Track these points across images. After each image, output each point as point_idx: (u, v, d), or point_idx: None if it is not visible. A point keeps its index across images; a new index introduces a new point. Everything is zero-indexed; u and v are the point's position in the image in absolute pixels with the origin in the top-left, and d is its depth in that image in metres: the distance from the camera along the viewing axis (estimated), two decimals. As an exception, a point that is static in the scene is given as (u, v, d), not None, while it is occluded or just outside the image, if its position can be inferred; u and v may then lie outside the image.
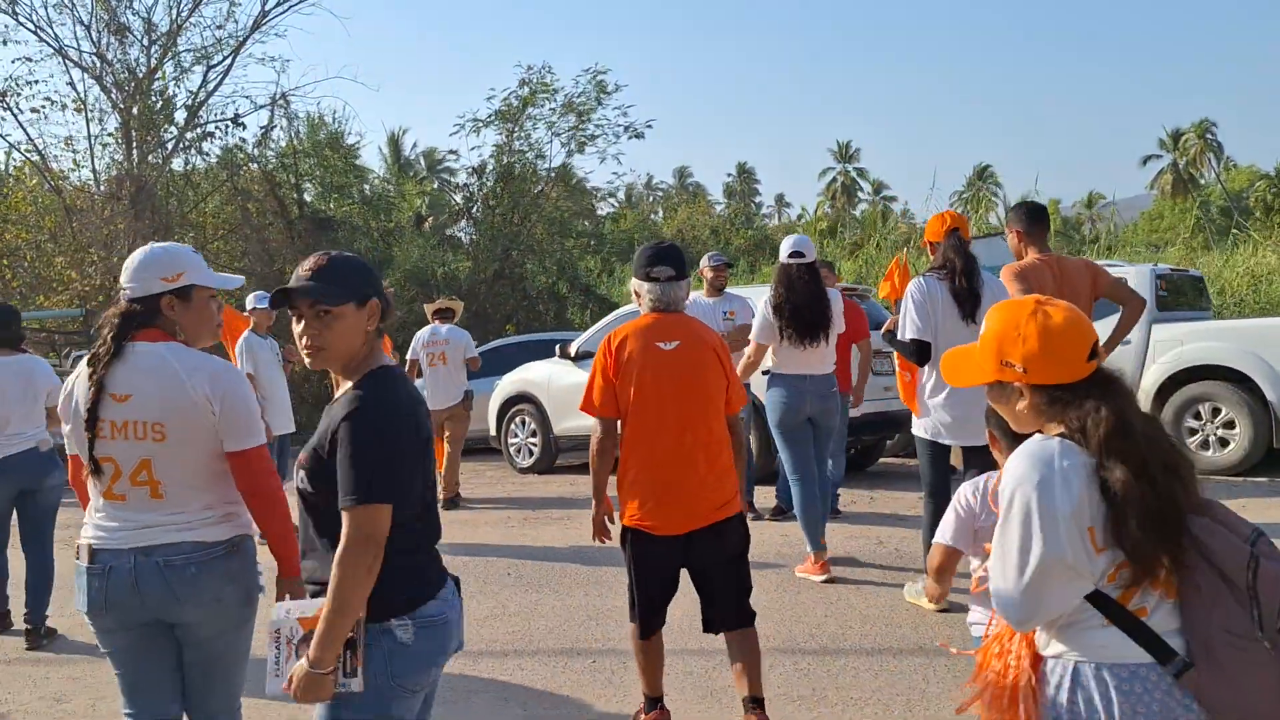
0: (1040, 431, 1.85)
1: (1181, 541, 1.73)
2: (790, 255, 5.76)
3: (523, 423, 10.58)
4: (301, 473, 2.17)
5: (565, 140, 18.02)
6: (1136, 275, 9.15)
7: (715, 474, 3.42)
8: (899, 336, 4.82)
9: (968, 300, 4.69)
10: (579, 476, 10.10)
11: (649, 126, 18.11)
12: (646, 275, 3.51)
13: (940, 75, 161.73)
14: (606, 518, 3.60)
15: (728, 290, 7.53)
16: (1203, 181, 68.16)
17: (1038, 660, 1.86)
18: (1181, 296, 9.56)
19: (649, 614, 3.50)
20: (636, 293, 3.59)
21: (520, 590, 5.59)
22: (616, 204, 20.67)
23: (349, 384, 2.20)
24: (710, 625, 3.53)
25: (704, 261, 7.48)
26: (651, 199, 62.55)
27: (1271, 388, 8.18)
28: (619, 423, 3.48)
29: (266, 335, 7.36)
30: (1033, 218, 4.94)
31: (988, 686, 1.97)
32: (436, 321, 8.74)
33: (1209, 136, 70.56)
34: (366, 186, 20.85)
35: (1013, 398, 1.90)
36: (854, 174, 78.69)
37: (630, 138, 17.88)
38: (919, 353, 4.71)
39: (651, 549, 3.43)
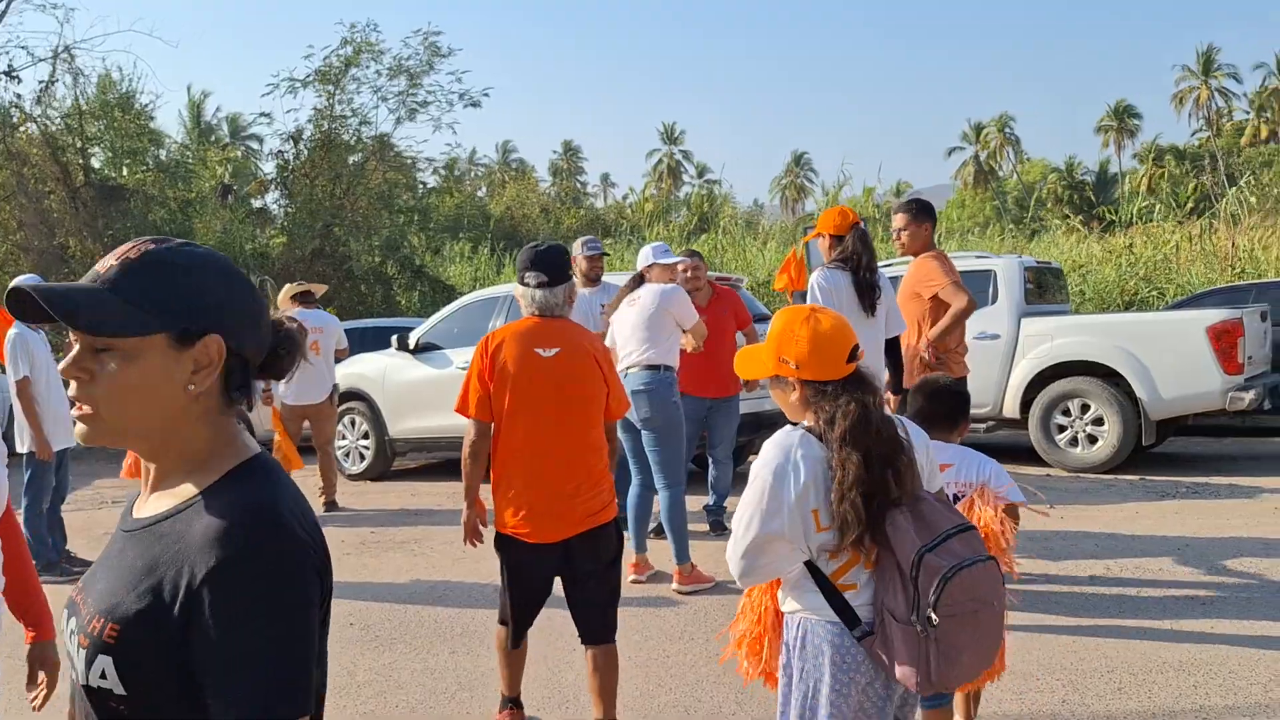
0: (806, 419, 2.17)
1: (882, 527, 2.05)
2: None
3: (352, 423, 9.42)
4: (105, 660, 1.14)
5: (394, 106, 16.59)
6: (1005, 267, 8.92)
7: (591, 481, 3.43)
8: None
9: (869, 293, 4.69)
10: (420, 484, 9.05)
11: (486, 95, 16.96)
12: (522, 279, 3.51)
13: (761, 63, 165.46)
14: (479, 522, 3.60)
15: (605, 280, 6.70)
16: (1001, 174, 72.48)
17: (779, 615, 2.28)
18: (1046, 290, 9.42)
19: (523, 622, 3.51)
20: (518, 295, 3.55)
21: (369, 649, 4.58)
22: (439, 177, 19.24)
23: (189, 492, 1.21)
24: (580, 632, 3.51)
25: (577, 249, 6.61)
26: (474, 174, 60.93)
27: (1141, 384, 8.07)
28: (493, 426, 3.46)
29: (39, 329, 6.01)
30: (929, 214, 5.29)
31: (743, 636, 2.46)
32: (297, 307, 7.91)
33: (1008, 130, 74.92)
34: (163, 152, 18.70)
35: (788, 390, 2.21)
36: (679, 156, 79.31)
37: (466, 105, 16.66)
38: None
39: (526, 557, 3.43)
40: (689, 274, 6.32)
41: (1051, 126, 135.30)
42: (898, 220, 5.40)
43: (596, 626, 3.45)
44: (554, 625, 3.99)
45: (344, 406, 9.42)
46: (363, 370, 9.39)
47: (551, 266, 3.45)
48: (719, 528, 6.43)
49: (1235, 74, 72.63)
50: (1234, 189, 17.88)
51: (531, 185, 47.88)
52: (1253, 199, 17.55)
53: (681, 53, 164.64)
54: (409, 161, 17.92)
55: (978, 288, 8.26)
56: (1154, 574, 5.04)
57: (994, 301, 8.72)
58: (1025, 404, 8.60)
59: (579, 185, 72.95)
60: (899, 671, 2.02)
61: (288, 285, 8.57)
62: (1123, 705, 3.53)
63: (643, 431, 5.36)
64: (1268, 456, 8.78)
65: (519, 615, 3.49)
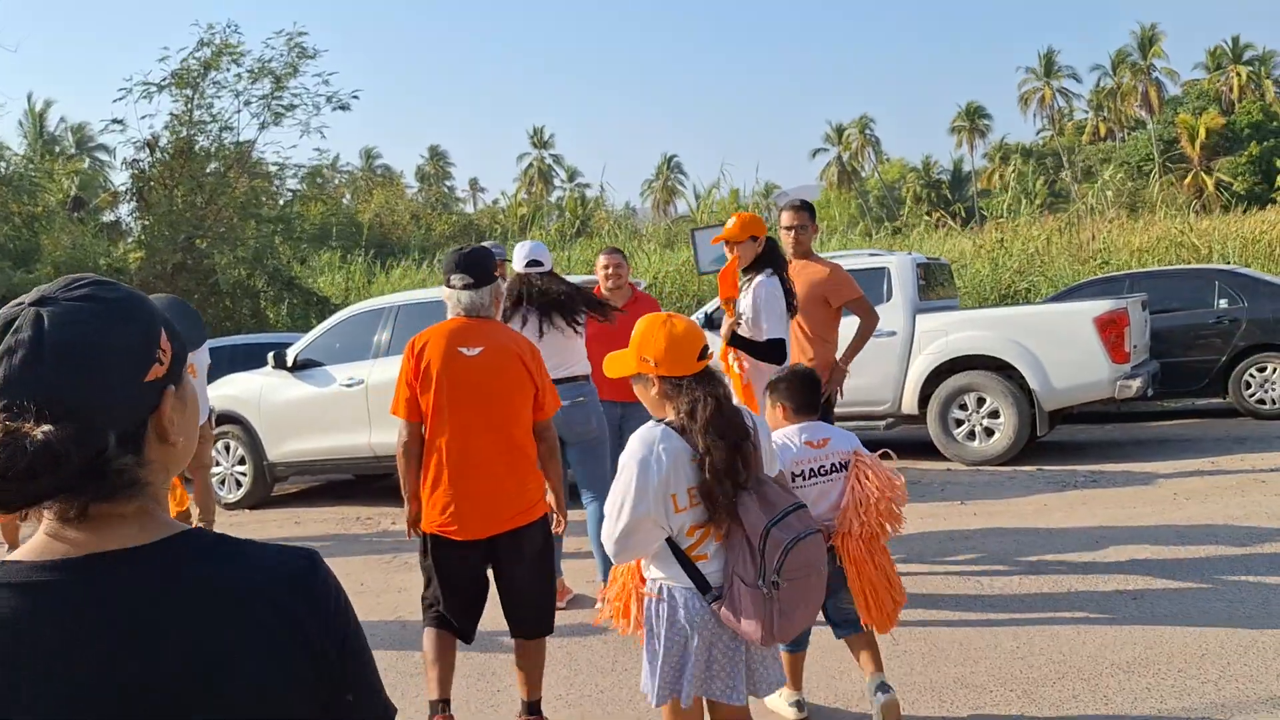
0: (666, 413, 2.50)
1: (735, 505, 2.41)
2: (528, 265, 5.26)
3: (227, 448, 8.77)
4: None
5: (257, 110, 15.72)
6: (899, 264, 8.94)
7: (516, 479, 3.47)
8: (761, 336, 4.50)
9: (792, 297, 4.70)
10: (304, 510, 8.49)
11: (355, 97, 16.25)
12: (448, 282, 3.58)
13: (628, 66, 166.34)
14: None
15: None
16: (864, 174, 74.74)
17: (643, 581, 2.60)
18: (936, 285, 9.50)
19: (451, 618, 3.51)
20: (445, 298, 3.61)
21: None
22: (304, 184, 18.31)
23: None
24: (512, 631, 3.58)
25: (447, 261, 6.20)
26: (338, 181, 59.15)
27: (1034, 376, 8.18)
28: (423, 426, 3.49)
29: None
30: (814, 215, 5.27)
31: (613, 602, 2.79)
32: None
33: (868, 131, 77.28)
34: (2, 164, 17.30)
35: (649, 386, 2.53)
36: (550, 160, 78.83)
37: (335, 109, 15.91)
38: (779, 351, 4.51)
39: (452, 554, 3.47)
40: (610, 271, 6.01)
41: (908, 127, 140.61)
42: (795, 218, 5.30)
43: (528, 621, 3.52)
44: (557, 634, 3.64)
45: (216, 431, 8.77)
46: (236, 391, 8.76)
47: (476, 268, 3.54)
48: None
49: (1075, 75, 76.79)
50: (1098, 184, 18.66)
51: (399, 191, 46.72)
52: (1109, 193, 18.40)
53: (549, 55, 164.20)
54: (275, 168, 17.05)
55: (872, 285, 8.24)
56: (1079, 568, 5.02)
57: (889, 299, 8.72)
58: (923, 399, 8.64)
59: (448, 190, 71.74)
60: (746, 626, 2.38)
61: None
62: (1080, 711, 3.42)
63: (574, 446, 5.05)
64: (1151, 441, 9.05)
65: (460, 614, 3.50)
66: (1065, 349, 8.20)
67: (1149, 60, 71.48)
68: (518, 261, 5.39)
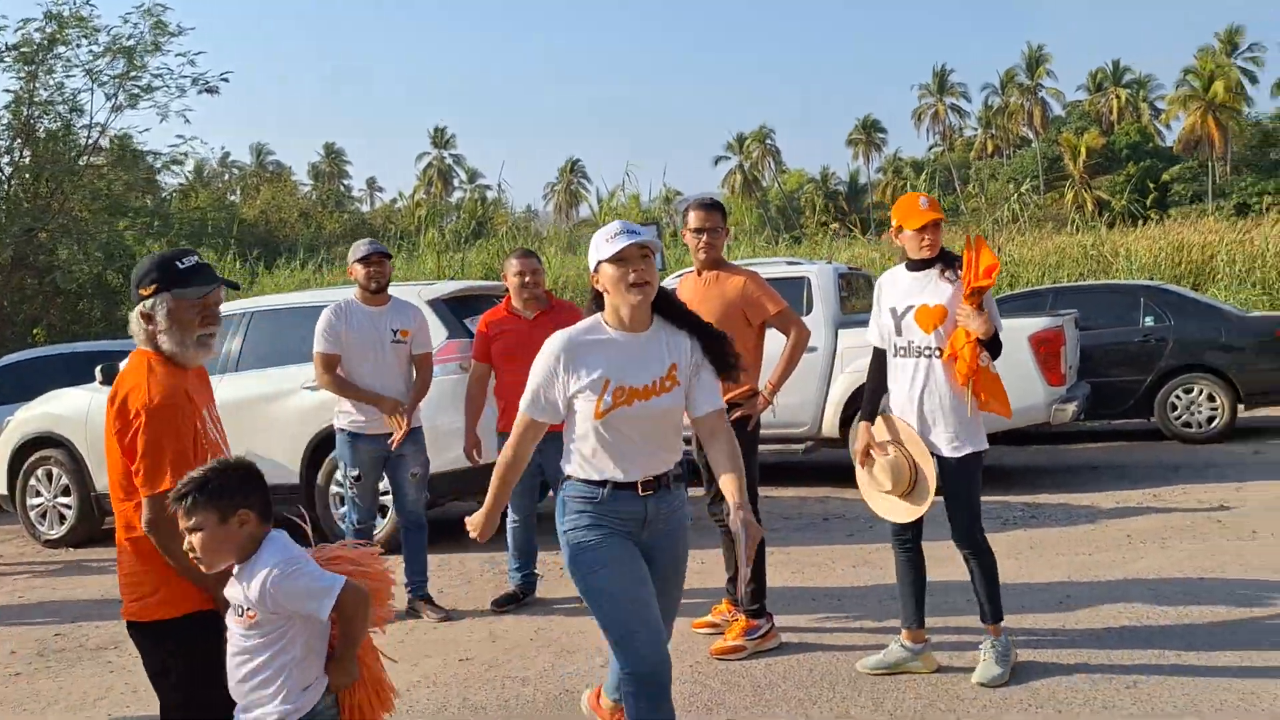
0: None
1: None
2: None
3: (49, 476, 7.49)
4: None
5: (112, 91, 14.15)
6: (820, 274, 8.20)
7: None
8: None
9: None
10: (138, 549, 7.25)
11: (224, 80, 14.83)
12: None
13: (531, 67, 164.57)
14: None
15: (393, 293, 5.31)
16: (765, 182, 75.16)
17: None
18: (857, 297, 8.79)
19: None
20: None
21: None
22: (182, 175, 16.78)
23: None
24: None
25: (353, 253, 5.18)
26: (228, 177, 56.56)
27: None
28: None
29: None
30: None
31: None
32: None
33: (768, 142, 77.80)
34: None
35: None
36: (450, 160, 77.14)
37: (200, 92, 14.46)
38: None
39: None
40: (527, 278, 5.11)
41: (807, 139, 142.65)
42: (706, 219, 4.47)
43: None
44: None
45: (36, 455, 7.51)
46: (60, 409, 7.51)
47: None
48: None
49: (966, 93, 78.82)
50: (1013, 198, 18.46)
51: (290, 188, 44.72)
52: (1016, 207, 18.21)
53: (453, 54, 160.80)
54: (150, 156, 15.49)
55: (790, 296, 7.44)
56: (1049, 640, 4.27)
57: (809, 311, 7.96)
58: (845, 421, 7.90)
59: (343, 189, 69.58)
60: None
61: None
62: None
63: None
64: (1081, 468, 8.51)
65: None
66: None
67: (1036, 80, 73.75)
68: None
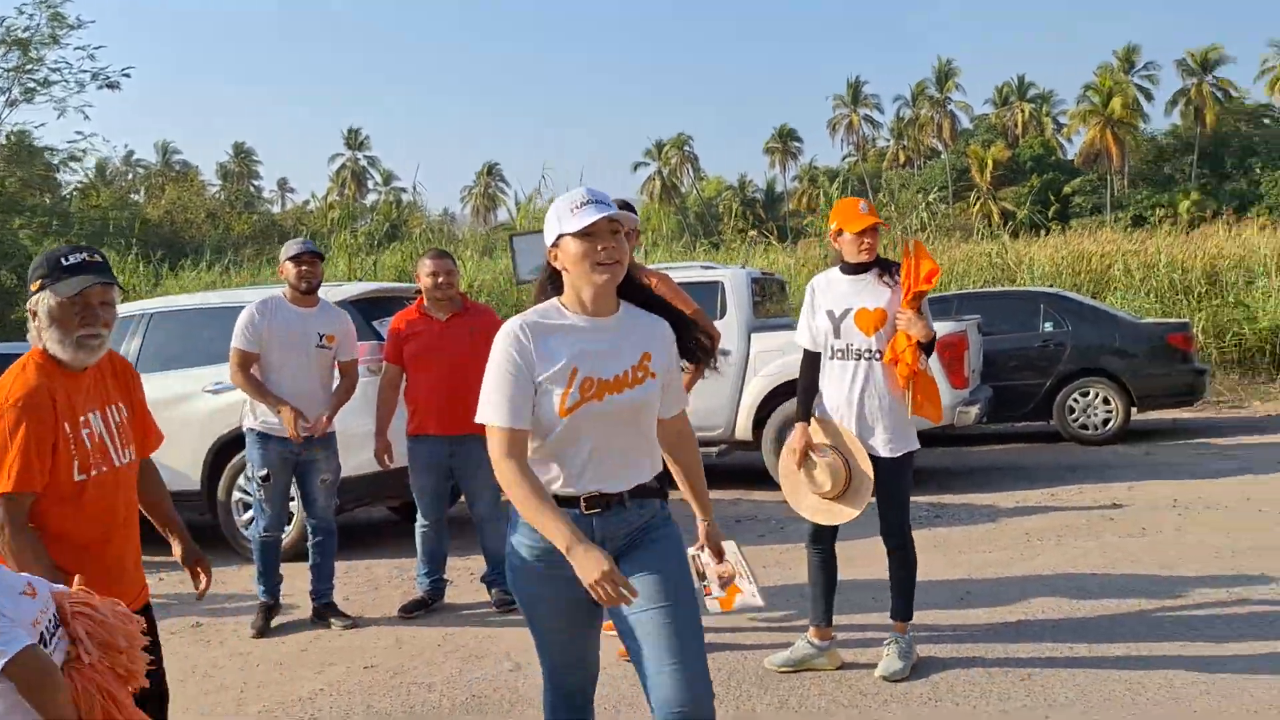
0: None
1: None
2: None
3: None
4: None
5: (6, 85, 13.60)
6: (734, 278, 8.30)
7: None
8: None
9: None
10: None
11: (126, 75, 14.42)
12: None
13: (448, 71, 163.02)
14: None
15: (320, 296, 5.14)
16: (683, 189, 75.69)
17: None
18: (770, 302, 8.92)
19: None
20: None
21: None
22: (82, 172, 16.18)
23: None
24: None
25: (285, 251, 5.04)
26: (131, 176, 54.77)
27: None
28: None
29: None
30: None
31: None
32: None
33: (687, 149, 78.40)
34: None
35: None
36: (365, 162, 75.96)
37: (100, 87, 14.00)
38: None
39: None
40: (441, 279, 5.03)
41: (726, 146, 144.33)
42: (625, 221, 4.45)
43: None
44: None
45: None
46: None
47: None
48: (506, 604, 5.11)
49: (879, 105, 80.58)
50: (921, 207, 18.92)
51: (197, 188, 43.52)
52: (925, 216, 18.70)
53: (368, 54, 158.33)
54: (49, 153, 14.90)
55: (705, 300, 7.54)
56: (953, 633, 4.38)
57: (722, 315, 8.06)
58: (758, 424, 8.00)
59: (253, 189, 68.00)
60: None
61: None
62: None
63: None
64: (984, 469, 8.75)
65: None
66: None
67: (945, 94, 75.80)
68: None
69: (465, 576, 5.70)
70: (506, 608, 5.07)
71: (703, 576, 2.76)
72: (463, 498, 5.50)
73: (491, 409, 2.28)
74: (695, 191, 75.80)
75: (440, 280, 5.04)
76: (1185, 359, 9.79)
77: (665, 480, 2.48)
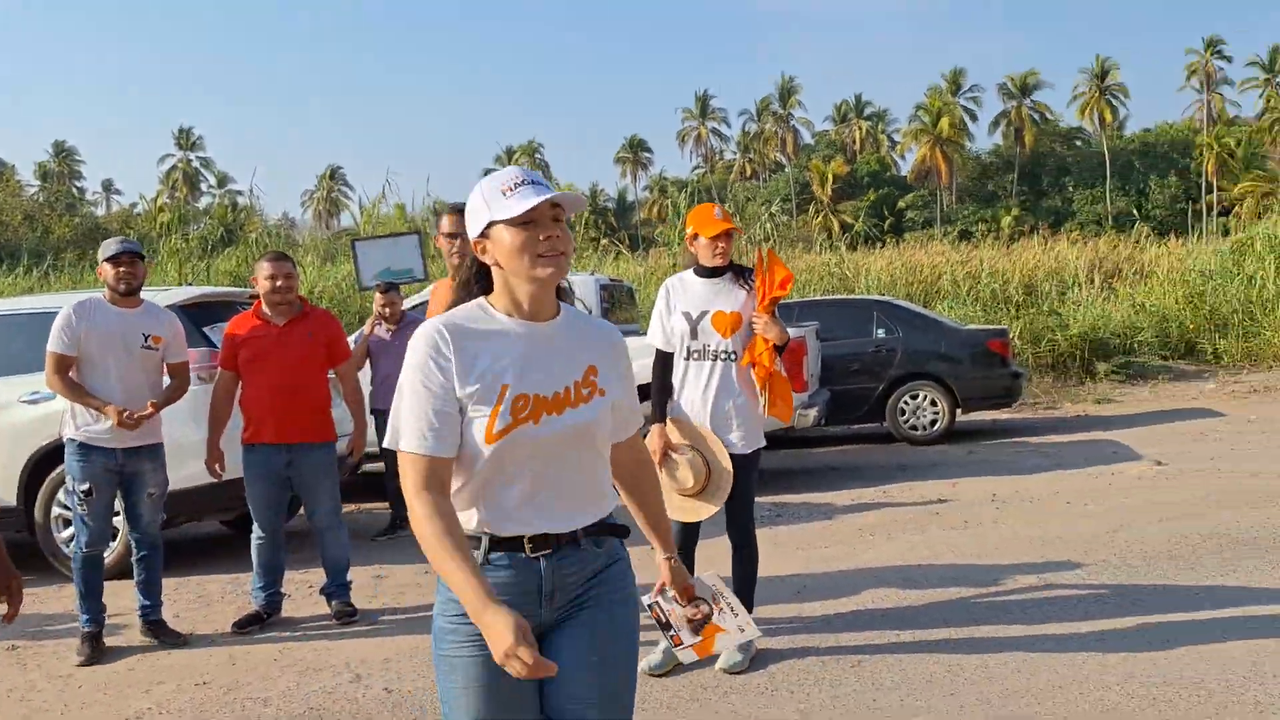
0: None
1: None
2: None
3: None
4: None
5: None
6: (582, 285, 8.38)
7: None
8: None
9: None
10: None
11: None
12: None
13: (288, 70, 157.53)
14: None
15: (145, 297, 4.89)
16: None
17: None
18: (620, 308, 9.04)
19: None
20: None
21: None
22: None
23: None
24: None
25: (103, 251, 4.76)
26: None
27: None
28: None
29: None
30: None
31: None
32: None
33: (538, 156, 78.33)
34: None
35: None
36: (198, 163, 72.59)
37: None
38: None
39: None
40: (279, 282, 4.88)
41: (577, 155, 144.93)
42: (460, 224, 4.40)
43: None
44: None
45: None
46: None
47: None
48: (346, 616, 4.98)
49: (726, 119, 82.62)
50: (764, 217, 19.51)
51: (13, 189, 40.75)
52: (769, 227, 19.35)
53: (202, 56, 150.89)
54: None
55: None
56: (789, 625, 4.56)
57: (570, 322, 8.12)
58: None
59: (75, 191, 64.08)
60: None
61: None
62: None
63: None
64: (822, 469, 9.10)
65: None
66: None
67: (788, 110, 78.38)
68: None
69: (303, 589, 5.55)
70: (347, 620, 4.96)
71: (668, 626, 2.41)
72: (301, 509, 5.35)
73: (404, 433, 1.87)
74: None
75: (279, 284, 4.91)
76: (1004, 363, 10.46)
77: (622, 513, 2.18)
